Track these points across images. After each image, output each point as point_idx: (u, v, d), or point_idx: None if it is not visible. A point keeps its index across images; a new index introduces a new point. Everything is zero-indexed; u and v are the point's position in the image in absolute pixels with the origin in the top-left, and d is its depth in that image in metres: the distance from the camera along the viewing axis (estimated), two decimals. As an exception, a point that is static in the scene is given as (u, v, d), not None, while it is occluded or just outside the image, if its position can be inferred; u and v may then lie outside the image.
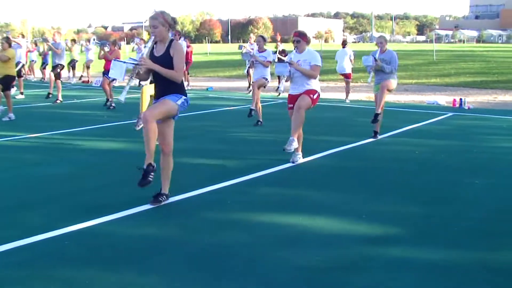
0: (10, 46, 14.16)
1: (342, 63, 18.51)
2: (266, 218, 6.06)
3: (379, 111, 10.56)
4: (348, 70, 18.43)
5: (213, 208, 6.42)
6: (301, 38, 8.59)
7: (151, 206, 6.39)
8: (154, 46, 6.35)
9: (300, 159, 8.73)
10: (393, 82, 10.58)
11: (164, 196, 6.55)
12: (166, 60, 6.16)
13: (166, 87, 6.24)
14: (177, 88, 6.27)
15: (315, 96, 8.52)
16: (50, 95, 17.89)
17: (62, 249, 5.18)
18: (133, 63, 6.31)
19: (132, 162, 8.59)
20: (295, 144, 8.48)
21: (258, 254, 5.05)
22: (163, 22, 6.15)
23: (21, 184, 7.61)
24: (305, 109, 8.45)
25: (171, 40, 6.27)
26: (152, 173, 6.15)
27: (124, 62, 6.37)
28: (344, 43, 19.40)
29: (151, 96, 10.31)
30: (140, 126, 10.36)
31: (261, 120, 12.62)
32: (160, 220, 6.04)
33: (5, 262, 4.88)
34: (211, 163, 8.76)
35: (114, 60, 6.48)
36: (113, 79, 16.45)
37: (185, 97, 6.35)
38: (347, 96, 18.46)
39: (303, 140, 8.90)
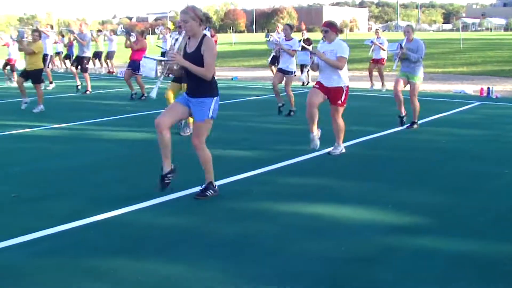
0: (40, 37, 14.27)
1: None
2: (291, 208, 6.04)
3: (415, 119, 10.70)
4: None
5: (237, 198, 6.42)
6: (329, 28, 8.51)
7: (177, 196, 6.40)
8: (188, 41, 6.32)
9: (342, 150, 8.72)
10: (418, 84, 10.60)
11: (210, 190, 6.46)
12: (196, 56, 6.10)
13: (197, 85, 6.19)
14: (208, 87, 6.20)
15: (343, 98, 8.46)
16: (79, 87, 18.01)
17: (87, 238, 5.22)
18: (164, 59, 6.27)
19: (155, 153, 8.61)
20: (339, 150, 8.60)
21: (282, 244, 5.02)
22: (193, 17, 6.06)
23: (48, 174, 7.68)
24: (340, 117, 8.56)
25: (204, 36, 6.21)
26: (169, 175, 6.24)
27: (154, 59, 6.34)
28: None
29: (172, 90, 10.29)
30: (187, 134, 10.23)
31: (293, 109, 12.51)
32: (184, 210, 6.05)
33: (31, 251, 4.92)
34: (236, 152, 8.75)
35: (145, 57, 6.45)
36: (137, 70, 16.51)
37: (216, 98, 6.29)
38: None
39: (327, 130, 8.83)
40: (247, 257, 4.75)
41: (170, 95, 10.27)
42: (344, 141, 8.82)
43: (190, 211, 6.01)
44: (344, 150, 8.64)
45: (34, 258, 4.77)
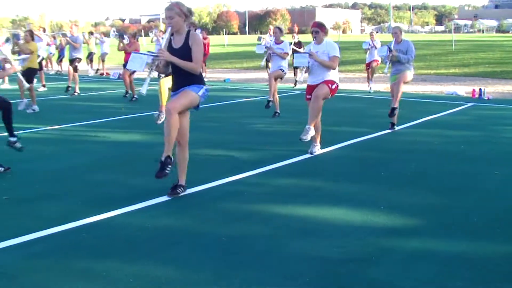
0: (33, 39, 14.29)
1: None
2: (283, 210, 6.04)
3: (396, 105, 10.51)
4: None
5: (229, 200, 6.41)
6: (319, 29, 8.53)
7: (169, 198, 6.39)
8: (172, 38, 6.33)
9: (318, 150, 8.69)
10: (409, 74, 10.52)
11: (182, 188, 6.55)
12: (184, 51, 6.14)
13: (185, 78, 6.23)
14: (196, 79, 6.25)
15: (333, 86, 8.46)
16: (70, 88, 17.99)
17: (80, 240, 5.20)
18: (152, 55, 6.31)
19: (149, 154, 8.62)
20: (311, 133, 8.43)
21: (275, 245, 5.02)
22: (179, 13, 6.11)
23: (40, 175, 7.65)
24: (322, 98, 8.41)
25: (188, 31, 6.24)
26: (169, 166, 6.16)
27: (144, 54, 6.36)
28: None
29: (169, 88, 10.30)
30: (162, 120, 10.36)
31: (278, 111, 12.57)
32: (177, 211, 6.03)
33: (24, 253, 4.90)
34: (228, 154, 8.75)
35: (134, 52, 6.47)
36: (134, 71, 16.51)
37: (205, 87, 6.34)
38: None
39: (321, 131, 8.86)
40: (240, 258, 4.74)
41: (163, 84, 10.39)
42: (336, 143, 8.84)
43: (183, 212, 6.00)
44: (320, 150, 8.64)
45: (27, 259, 4.75)
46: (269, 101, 12.39)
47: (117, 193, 6.72)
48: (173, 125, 6.09)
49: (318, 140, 8.75)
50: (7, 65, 8.64)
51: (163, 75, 10.64)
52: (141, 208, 6.08)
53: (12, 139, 8.35)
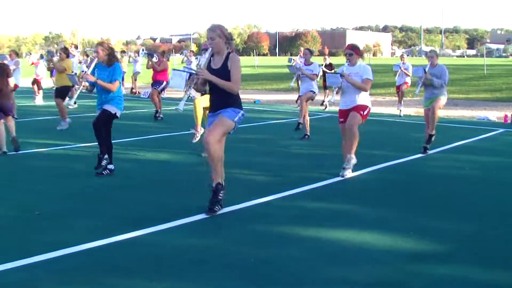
0: (67, 56, 14.53)
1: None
2: (312, 232, 6.03)
3: (433, 132, 10.51)
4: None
5: (258, 221, 6.42)
6: (353, 51, 8.58)
7: (199, 218, 6.43)
8: (211, 58, 6.45)
9: (348, 173, 8.66)
10: (442, 100, 10.51)
11: (219, 206, 6.59)
12: (223, 72, 6.28)
13: (223, 99, 6.36)
14: (233, 101, 6.37)
15: (365, 112, 8.48)
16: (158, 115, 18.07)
17: (110, 257, 5.26)
18: (191, 72, 6.44)
19: (180, 174, 8.69)
20: (353, 161, 8.54)
21: (303, 268, 5.02)
22: (220, 35, 6.29)
23: (72, 192, 7.74)
24: (357, 126, 8.45)
25: (228, 53, 6.37)
26: (222, 192, 6.32)
27: (183, 71, 6.49)
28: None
29: (204, 108, 10.40)
30: (197, 139, 10.44)
31: (308, 133, 12.57)
32: (206, 232, 6.07)
33: (54, 267, 4.98)
34: (259, 176, 8.77)
35: (174, 69, 6.60)
36: (162, 90, 16.71)
37: (242, 112, 6.46)
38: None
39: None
40: (266, 280, 4.75)
41: (198, 104, 10.46)
42: (366, 167, 8.82)
43: (212, 232, 6.03)
44: (351, 174, 8.64)
45: (57, 274, 4.82)
46: (299, 123, 12.43)
47: (147, 211, 6.78)
48: (215, 155, 6.27)
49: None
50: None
51: (196, 94, 10.73)
52: (171, 227, 6.12)
53: None
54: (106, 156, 8.79)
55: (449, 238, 5.87)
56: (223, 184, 6.41)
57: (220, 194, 6.41)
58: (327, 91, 19.70)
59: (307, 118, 12.62)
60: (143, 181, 8.51)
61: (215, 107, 6.47)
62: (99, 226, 6.18)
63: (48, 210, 6.78)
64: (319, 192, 7.89)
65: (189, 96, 6.71)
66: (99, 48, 8.65)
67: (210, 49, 6.41)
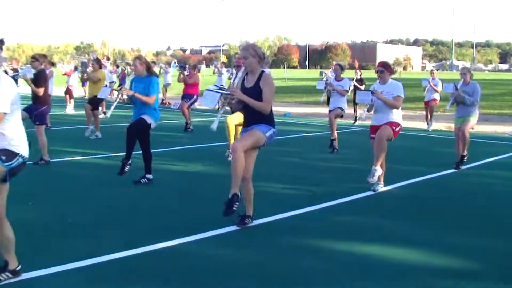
0: (100, 67, 14.74)
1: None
2: (342, 246, 6.04)
3: (465, 153, 10.49)
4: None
5: (289, 234, 6.45)
6: (384, 69, 8.57)
7: (232, 229, 6.48)
8: (245, 77, 6.51)
9: (381, 188, 8.63)
10: (472, 121, 10.50)
11: (249, 218, 6.65)
12: (255, 91, 6.33)
13: (256, 117, 6.41)
14: (266, 119, 6.42)
15: (397, 129, 8.46)
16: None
17: (142, 267, 5.32)
18: (224, 92, 6.52)
19: (211, 185, 8.75)
20: (378, 174, 8.47)
21: (332, 282, 5.05)
22: (253, 54, 6.34)
23: (103, 201, 7.85)
24: (386, 139, 8.41)
25: (262, 72, 6.42)
26: (237, 203, 6.29)
27: (215, 92, 6.57)
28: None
29: (236, 125, 10.48)
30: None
31: (337, 147, 12.52)
32: (237, 243, 6.12)
33: (87, 275, 5.07)
34: (289, 189, 8.77)
35: (207, 89, 6.69)
36: (192, 103, 16.81)
37: (274, 129, 6.50)
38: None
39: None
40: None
41: (230, 121, 10.50)
42: (396, 181, 8.79)
43: (244, 244, 6.08)
44: (383, 188, 8.59)
45: (90, 283, 4.91)
46: (332, 141, 12.41)
47: (178, 222, 6.85)
48: (238, 163, 6.25)
49: (382, 178, 8.69)
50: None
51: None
52: (202, 238, 6.18)
53: None
54: (130, 161, 8.87)
55: (478, 255, 5.84)
56: (239, 195, 6.40)
57: (235, 206, 6.34)
58: (356, 106, 19.65)
59: (335, 133, 12.58)
60: (173, 191, 8.59)
61: (248, 123, 6.54)
62: (131, 235, 6.26)
63: (80, 219, 6.89)
64: (349, 206, 7.90)
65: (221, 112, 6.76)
66: (137, 61, 8.77)
67: (244, 68, 6.48)
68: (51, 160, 10.51)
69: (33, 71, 10.63)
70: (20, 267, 4.89)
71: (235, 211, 6.33)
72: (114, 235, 6.26)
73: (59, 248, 5.77)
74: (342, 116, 12.90)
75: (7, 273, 4.81)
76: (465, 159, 10.54)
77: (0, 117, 4.40)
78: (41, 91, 10.50)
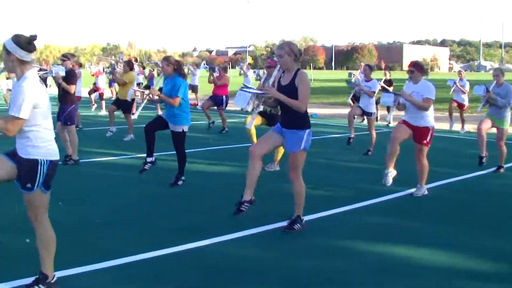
0: (131, 69, 14.79)
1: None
2: (372, 247, 6.03)
3: (502, 163, 10.41)
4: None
5: (318, 235, 6.46)
6: (415, 69, 8.45)
7: (257, 230, 6.51)
8: (281, 75, 6.50)
9: (424, 191, 8.57)
10: (506, 129, 10.32)
11: (298, 225, 6.57)
12: (291, 89, 6.32)
13: (291, 116, 6.40)
14: (301, 119, 6.42)
15: (428, 139, 8.34)
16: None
17: (169, 266, 5.38)
18: (259, 92, 6.54)
19: (239, 186, 8.73)
20: (423, 191, 8.47)
21: (360, 282, 5.06)
22: (289, 52, 6.32)
23: (130, 201, 7.92)
24: (425, 158, 8.39)
25: (297, 70, 6.40)
26: (247, 205, 6.38)
27: (249, 92, 6.60)
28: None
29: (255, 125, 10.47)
30: (272, 169, 10.38)
31: (371, 149, 12.45)
32: (265, 243, 6.15)
33: (115, 275, 5.15)
34: (317, 189, 8.72)
35: (241, 89, 6.74)
36: (221, 104, 16.84)
37: (308, 131, 6.50)
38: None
39: (413, 171, 8.72)
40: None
41: (253, 128, 10.46)
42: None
43: (272, 245, 6.10)
44: (426, 192, 8.50)
45: (118, 282, 4.97)
46: (349, 138, 12.45)
47: (206, 222, 6.89)
48: (251, 172, 6.39)
49: (423, 182, 8.59)
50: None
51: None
52: (231, 238, 6.22)
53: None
54: (152, 159, 9.00)
55: (508, 258, 5.78)
56: (252, 198, 6.43)
57: (243, 207, 6.38)
58: (390, 108, 19.50)
59: (374, 134, 12.51)
60: (199, 192, 8.62)
61: (284, 122, 6.53)
62: (158, 235, 6.31)
63: (108, 219, 6.95)
64: (377, 207, 7.87)
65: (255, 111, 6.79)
66: (164, 63, 8.79)
67: (279, 66, 6.46)
68: (80, 160, 10.60)
69: (65, 69, 10.72)
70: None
71: (243, 212, 6.36)
72: (142, 235, 6.30)
73: (87, 248, 5.83)
74: (377, 119, 12.84)
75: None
76: (484, 160, 10.32)
77: (18, 123, 4.35)
78: (73, 88, 10.66)
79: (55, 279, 4.69)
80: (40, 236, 4.61)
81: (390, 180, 8.41)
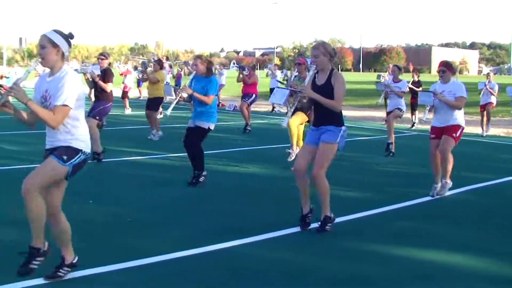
0: (161, 68, 14.90)
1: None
2: (401, 251, 5.99)
3: None
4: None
5: (347, 238, 6.43)
6: (446, 69, 8.44)
7: (288, 232, 6.51)
8: (316, 75, 6.53)
9: (450, 185, 8.55)
10: None
11: (329, 225, 6.60)
12: (326, 89, 6.36)
13: (325, 115, 6.45)
14: (335, 118, 6.45)
15: (458, 134, 8.29)
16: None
17: (198, 267, 5.39)
18: (295, 90, 6.60)
19: (268, 187, 8.76)
20: (448, 186, 8.43)
21: (389, 286, 5.04)
22: (324, 52, 6.37)
23: (160, 201, 7.96)
24: (450, 151, 8.29)
25: (332, 70, 6.43)
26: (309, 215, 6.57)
27: (285, 89, 6.67)
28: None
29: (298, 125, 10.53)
30: (292, 158, 10.46)
31: (393, 151, 12.37)
32: (295, 246, 6.12)
33: (144, 275, 5.16)
34: (347, 192, 8.68)
35: (277, 87, 6.81)
36: (251, 103, 16.94)
37: (343, 129, 6.51)
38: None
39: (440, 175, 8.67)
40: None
41: (293, 123, 10.53)
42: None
43: (301, 247, 6.08)
44: (451, 185, 8.47)
45: (148, 282, 5.00)
46: (388, 144, 12.28)
47: (235, 223, 6.89)
48: (300, 188, 6.54)
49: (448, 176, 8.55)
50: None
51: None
52: (260, 240, 6.21)
53: None
54: (204, 173, 8.92)
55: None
56: (311, 209, 6.59)
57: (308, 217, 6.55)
58: (416, 111, 19.41)
59: (393, 136, 12.45)
60: (228, 193, 8.64)
61: (317, 122, 6.56)
62: (188, 235, 6.34)
63: (138, 218, 6.99)
64: (407, 211, 7.82)
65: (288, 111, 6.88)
66: (198, 61, 8.81)
67: (315, 66, 6.49)
68: (108, 160, 10.72)
69: (100, 68, 10.87)
70: (77, 259, 4.96)
71: (310, 224, 6.53)
72: (172, 235, 6.34)
73: (119, 247, 5.87)
74: (400, 117, 12.77)
75: (65, 268, 4.88)
76: None
77: (66, 112, 4.49)
78: (110, 86, 10.81)
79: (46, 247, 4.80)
80: (30, 210, 4.52)
81: (446, 192, 8.47)
